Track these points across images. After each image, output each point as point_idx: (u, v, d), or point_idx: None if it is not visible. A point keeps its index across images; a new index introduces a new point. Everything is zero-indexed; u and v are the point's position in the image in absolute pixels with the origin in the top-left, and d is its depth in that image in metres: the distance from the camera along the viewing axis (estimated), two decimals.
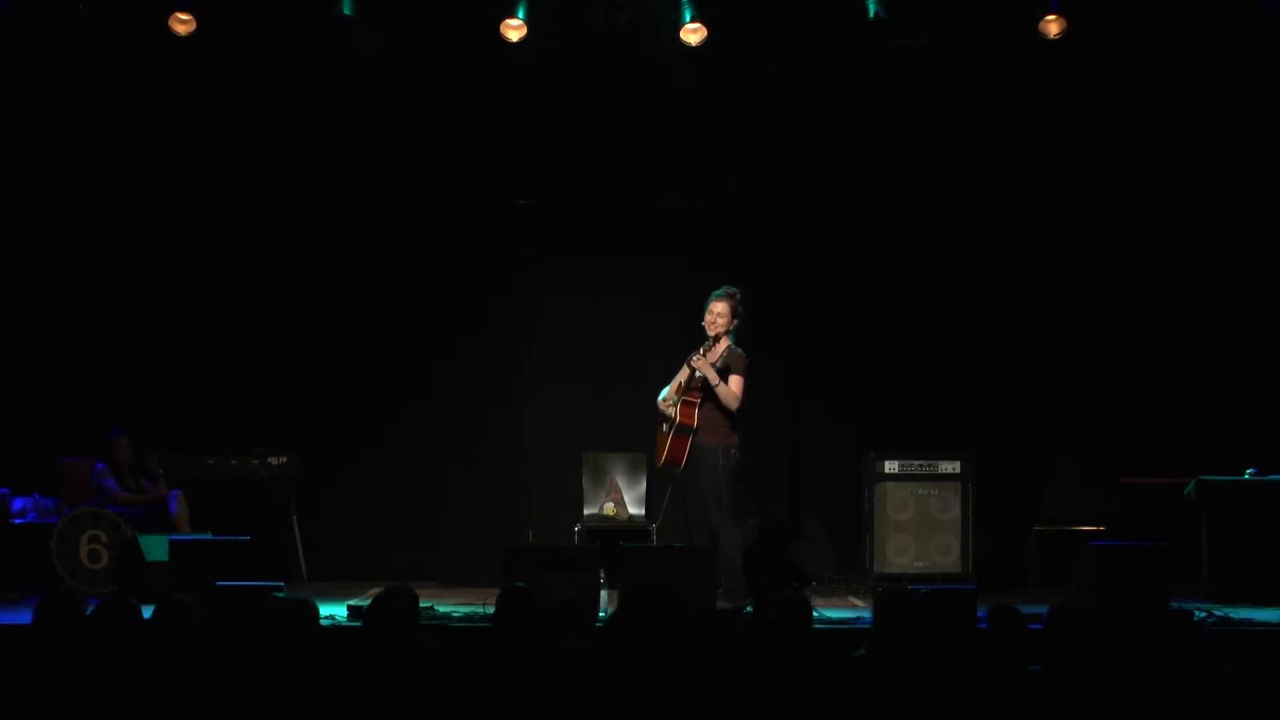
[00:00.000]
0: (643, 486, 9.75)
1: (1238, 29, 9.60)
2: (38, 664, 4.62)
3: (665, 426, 8.16)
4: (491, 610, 6.02)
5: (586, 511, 9.63)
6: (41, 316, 10.15)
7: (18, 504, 9.32)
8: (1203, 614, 7.56)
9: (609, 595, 8.01)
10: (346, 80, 9.95)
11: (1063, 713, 4.32)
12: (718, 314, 8.06)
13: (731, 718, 4.21)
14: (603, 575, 8.02)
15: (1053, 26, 9.42)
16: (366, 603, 5.52)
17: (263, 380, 10.08)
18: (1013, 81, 9.96)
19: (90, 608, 5.06)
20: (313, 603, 5.25)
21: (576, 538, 9.26)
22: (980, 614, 6.18)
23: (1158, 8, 9.53)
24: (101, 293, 10.15)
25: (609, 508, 9.65)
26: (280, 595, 6.76)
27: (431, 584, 9.32)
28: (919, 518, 9.21)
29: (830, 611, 7.99)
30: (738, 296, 8.11)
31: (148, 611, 5.24)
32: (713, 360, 8.00)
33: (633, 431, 9.41)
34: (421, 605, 5.13)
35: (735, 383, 8.00)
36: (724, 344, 8.04)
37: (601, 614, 7.58)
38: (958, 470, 9.23)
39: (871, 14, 9.40)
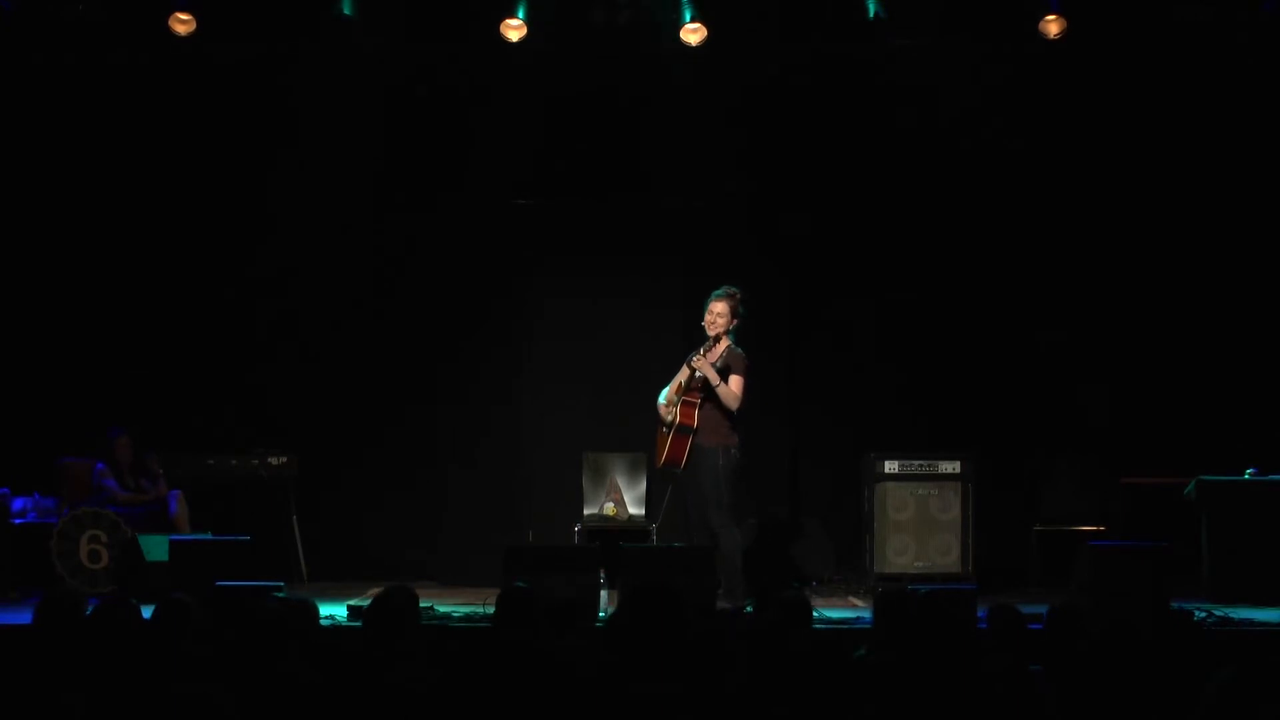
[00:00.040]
0: (643, 486, 9.75)
1: (1238, 29, 9.60)
2: (38, 664, 4.61)
3: (665, 427, 8.17)
4: (491, 610, 6.02)
5: (586, 511, 9.63)
6: (41, 317, 10.15)
7: (18, 504, 9.32)
8: (1203, 614, 7.56)
9: (609, 595, 8.01)
10: (346, 80, 9.95)
11: (1063, 713, 4.32)
12: (718, 314, 8.06)
13: (731, 718, 4.21)
14: (603, 575, 8.02)
15: (1053, 26, 9.42)
16: (366, 603, 5.52)
17: (263, 380, 10.08)
18: (1013, 81, 9.96)
19: (90, 608, 5.05)
20: (313, 603, 5.25)
21: (576, 538, 9.26)
22: (980, 614, 6.18)
23: (1158, 8, 9.53)
24: (101, 293, 10.15)
25: (609, 508, 9.65)
26: (280, 595, 6.76)
27: (431, 584, 9.32)
28: (919, 518, 9.21)
29: (830, 611, 8.00)
30: (738, 296, 8.11)
31: (148, 611, 5.23)
32: (713, 360, 8.00)
33: (633, 431, 9.41)
34: (421, 605, 5.12)
35: (735, 383, 8.00)
36: (724, 344, 8.04)
37: (601, 614, 7.58)
38: (958, 470, 9.23)
39: (871, 14, 9.40)
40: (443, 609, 7.75)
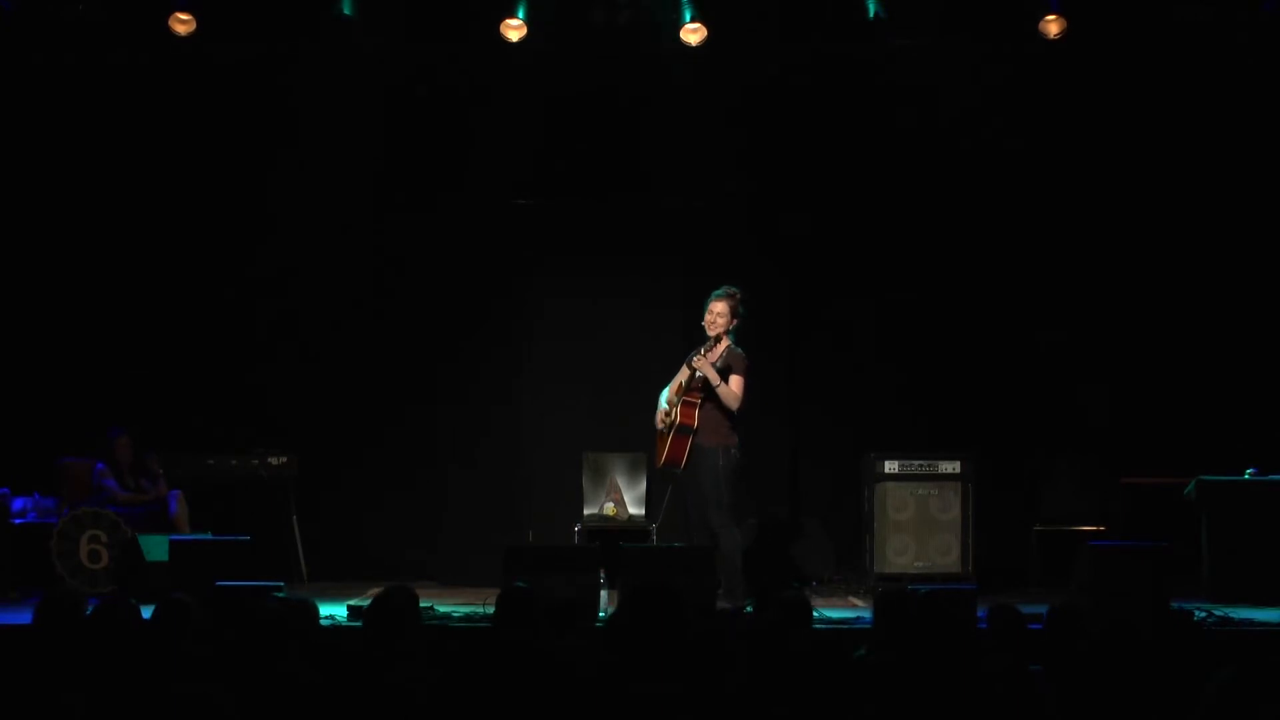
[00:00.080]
0: (643, 486, 9.75)
1: (1238, 29, 9.60)
2: (38, 664, 4.61)
3: (665, 427, 8.17)
4: (491, 610, 6.02)
5: (586, 511, 9.63)
6: (42, 317, 10.15)
7: (18, 504, 9.32)
8: (1203, 614, 7.55)
9: (609, 595, 8.01)
10: (346, 80, 9.95)
11: (1063, 713, 4.32)
12: (718, 314, 8.06)
13: (731, 718, 4.21)
14: (603, 575, 8.02)
15: (1053, 26, 9.42)
16: (366, 603, 5.52)
17: (263, 380, 10.08)
18: (1013, 81, 9.96)
19: (90, 608, 5.05)
20: (313, 603, 5.25)
21: (576, 538, 9.26)
22: (980, 614, 6.18)
23: (1158, 8, 9.53)
24: (101, 293, 10.15)
25: (609, 508, 9.65)
26: (280, 595, 6.76)
27: (431, 584, 9.32)
28: (919, 518, 9.21)
29: (830, 611, 7.99)
30: (738, 296, 8.11)
31: (148, 611, 5.24)
32: (713, 360, 8.00)
33: (633, 431, 9.40)
34: (421, 605, 5.12)
35: (736, 383, 8.00)
36: (724, 344, 8.03)
37: (601, 614, 7.58)
38: (958, 470, 9.23)
39: (871, 14, 9.40)
40: (443, 609, 7.75)
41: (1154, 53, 9.83)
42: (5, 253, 10.18)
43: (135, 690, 4.26)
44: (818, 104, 10.14)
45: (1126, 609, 6.78)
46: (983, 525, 9.22)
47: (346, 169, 10.05)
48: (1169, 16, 9.53)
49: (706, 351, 8.04)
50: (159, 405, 9.98)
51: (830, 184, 10.25)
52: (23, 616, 6.21)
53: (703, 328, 8.09)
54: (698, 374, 7.99)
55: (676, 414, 8.07)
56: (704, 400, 8.02)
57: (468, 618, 7.55)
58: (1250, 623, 7.56)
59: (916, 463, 9.25)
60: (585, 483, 9.76)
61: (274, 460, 9.76)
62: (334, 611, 7.60)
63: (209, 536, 8.89)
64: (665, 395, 8.26)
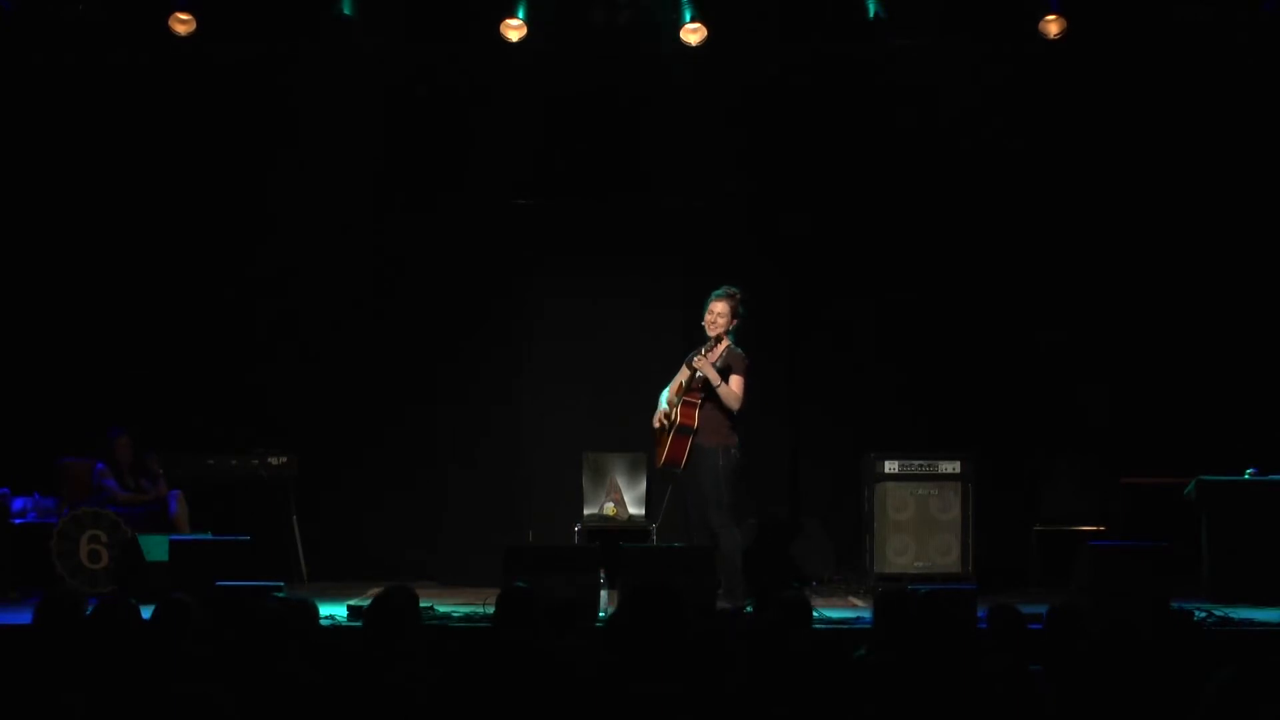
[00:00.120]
0: (643, 486, 9.75)
1: (1238, 29, 9.60)
2: (38, 664, 4.61)
3: (665, 427, 8.17)
4: (491, 610, 6.02)
5: (586, 511, 9.63)
6: (41, 317, 10.15)
7: (18, 504, 9.32)
8: (1203, 614, 7.55)
9: (609, 595, 8.01)
10: (346, 80, 9.95)
11: (1063, 713, 4.32)
12: (718, 314, 8.05)
13: (731, 718, 4.21)
14: (603, 575, 8.02)
15: (1053, 26, 9.42)
16: (366, 603, 5.52)
17: (263, 380, 10.08)
18: (1013, 81, 9.96)
19: (90, 608, 5.05)
20: (313, 603, 5.25)
21: (576, 538, 9.25)
22: (980, 614, 6.18)
23: (1158, 8, 9.53)
24: (101, 293, 10.15)
25: (609, 508, 9.65)
26: (280, 595, 6.76)
27: (431, 584, 9.32)
28: (919, 518, 9.21)
29: (830, 611, 7.99)
30: (738, 296, 8.11)
31: (148, 611, 5.23)
32: (713, 360, 8.00)
33: (633, 431, 9.39)
34: (421, 605, 5.12)
35: (736, 383, 8.00)
36: (724, 344, 8.03)
37: (601, 614, 7.58)
38: (958, 470, 9.23)
39: (871, 14, 9.40)
40: (443, 609, 7.75)
41: (1154, 53, 9.83)
42: (5, 253, 10.17)
43: (135, 690, 4.25)
44: (818, 104, 10.14)
45: (1126, 609, 6.75)
46: (983, 525, 9.22)
47: (346, 169, 10.05)
48: (1169, 16, 9.53)
49: (707, 351, 8.03)
50: (159, 405, 9.98)
51: (830, 184, 10.25)
52: (23, 616, 6.21)
53: (703, 328, 8.09)
54: (698, 374, 7.99)
55: (677, 414, 8.07)
56: (704, 400, 8.02)
57: (468, 618, 7.55)
58: (1250, 623, 7.56)
59: (916, 463, 9.25)
60: (585, 483, 9.76)
61: (274, 460, 9.76)
62: (334, 611, 7.60)
63: (209, 536, 8.89)
64: (665, 395, 8.26)
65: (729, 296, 8.08)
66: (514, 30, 9.49)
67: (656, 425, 8.24)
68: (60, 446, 9.64)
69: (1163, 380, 10.04)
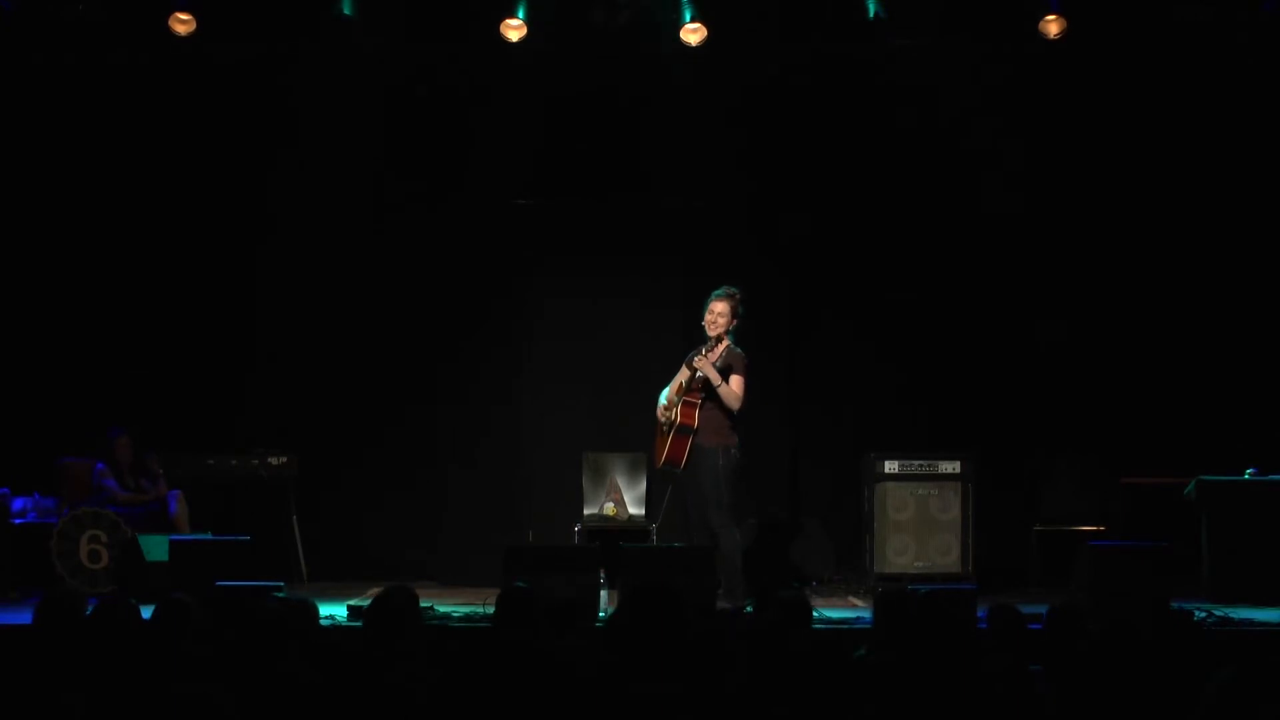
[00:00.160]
0: (643, 486, 9.75)
1: (1238, 29, 9.60)
2: (38, 664, 4.61)
3: (665, 427, 8.17)
4: (491, 610, 6.02)
5: (586, 511, 9.63)
6: (41, 317, 10.15)
7: (18, 504, 9.32)
8: (1203, 614, 7.55)
9: (609, 595, 8.01)
10: (346, 80, 9.95)
11: (1063, 713, 4.32)
12: (718, 314, 8.05)
13: (731, 718, 4.20)
14: (603, 575, 8.02)
15: (1053, 26, 9.42)
16: (366, 603, 5.52)
17: (263, 380, 10.09)
18: (1013, 81, 9.96)
19: (90, 608, 5.05)
20: (313, 603, 5.25)
21: (576, 538, 9.26)
22: (980, 614, 6.18)
23: (1158, 8, 9.53)
24: (101, 293, 10.15)
25: (609, 508, 9.65)
26: (280, 595, 6.76)
27: (431, 584, 9.33)
28: (919, 518, 9.21)
29: (830, 611, 8.00)
30: (738, 296, 8.11)
31: (148, 611, 5.23)
32: (713, 360, 8.00)
33: (633, 431, 9.41)
34: (421, 605, 5.12)
35: (736, 383, 8.00)
36: (724, 344, 8.03)
37: (601, 614, 7.58)
38: (958, 470, 9.23)
39: (871, 14, 9.40)
40: (443, 609, 7.75)
41: (1154, 53, 9.83)
42: (5, 253, 10.17)
43: (135, 690, 4.25)
44: (818, 104, 10.14)
45: (1126, 609, 6.76)
46: (983, 525, 9.22)
47: (346, 169, 10.04)
48: (1169, 16, 9.53)
49: (707, 351, 8.04)
50: (159, 405, 9.98)
51: (830, 184, 10.25)
52: (23, 616, 6.21)
53: (703, 328, 8.09)
54: (698, 374, 7.99)
55: (677, 414, 8.07)
56: (704, 400, 8.02)
57: (468, 618, 7.55)
58: (1250, 623, 7.57)
59: (916, 463, 9.25)
60: (585, 483, 9.76)
61: (274, 460, 9.76)
62: (334, 611, 7.60)
63: (209, 536, 8.90)
64: (665, 395, 8.26)
65: (729, 296, 8.08)
66: (514, 30, 9.48)
67: (661, 419, 8.20)
68: (60, 446, 9.64)
69: (1163, 380, 10.04)
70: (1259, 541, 8.71)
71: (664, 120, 10.01)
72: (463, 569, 9.40)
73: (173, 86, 10.02)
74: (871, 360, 10.14)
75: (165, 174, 10.18)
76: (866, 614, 7.36)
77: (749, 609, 7.54)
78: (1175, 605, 7.43)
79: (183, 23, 9.35)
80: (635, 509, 9.71)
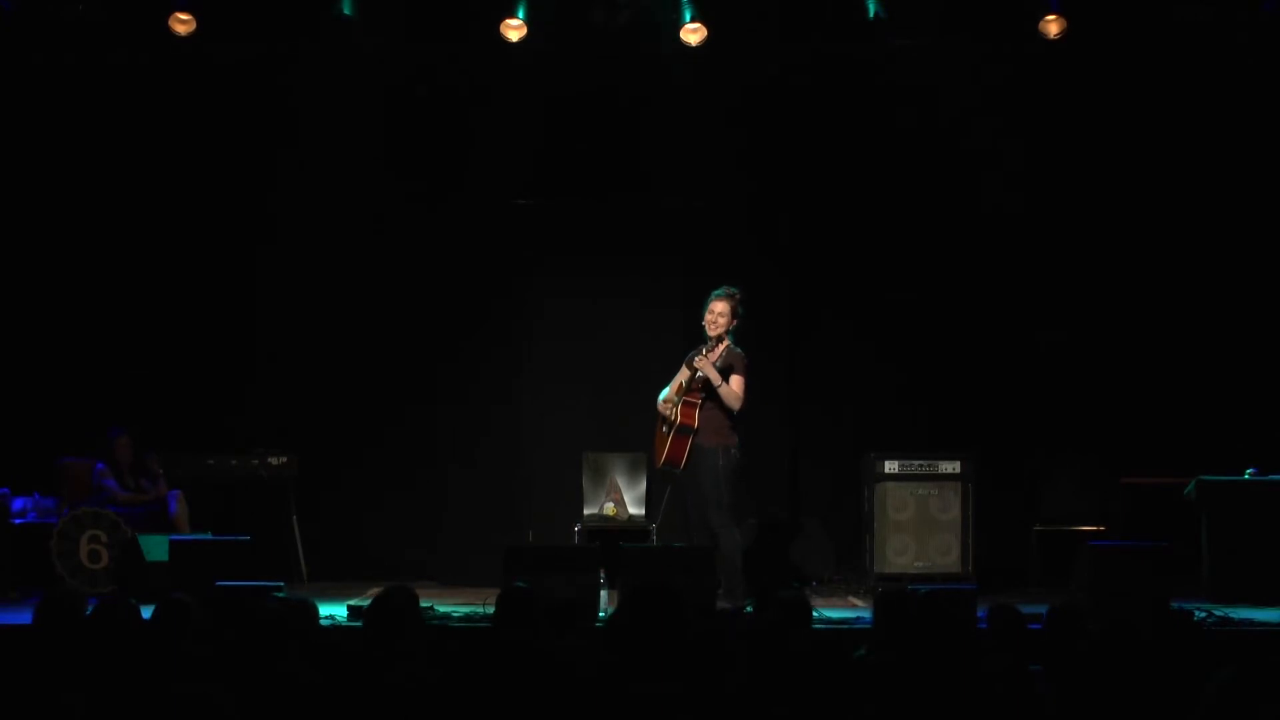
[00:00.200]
0: (643, 486, 9.75)
1: (1238, 29, 9.60)
2: (38, 664, 4.61)
3: (665, 427, 8.17)
4: (491, 610, 6.02)
5: (586, 511, 9.63)
6: (41, 317, 10.15)
7: (18, 504, 9.32)
8: (1203, 614, 7.55)
9: (609, 595, 8.01)
10: (346, 80, 9.95)
11: (1063, 713, 4.32)
12: (718, 314, 8.05)
13: (731, 718, 4.20)
14: (603, 575, 8.02)
15: (1053, 26, 9.42)
16: (366, 603, 5.52)
17: (263, 380, 10.09)
18: (1013, 81, 9.96)
19: (90, 608, 5.05)
20: (313, 603, 5.25)
21: (576, 538, 9.26)
22: (980, 614, 6.18)
23: (1158, 8, 9.53)
24: (101, 293, 10.15)
25: (609, 508, 9.65)
26: (280, 595, 6.76)
27: (431, 584, 9.33)
28: (919, 518, 9.21)
29: (830, 611, 8.00)
30: (738, 296, 8.11)
31: (148, 611, 5.23)
32: (713, 360, 8.00)
33: (633, 431, 9.41)
34: (421, 605, 5.12)
35: (736, 383, 8.00)
36: (724, 344, 8.03)
37: (601, 614, 7.58)
38: (958, 470, 9.23)
39: (871, 14, 9.40)
40: (443, 609, 7.75)
41: (1154, 53, 9.83)
42: (5, 253, 10.17)
43: (135, 690, 4.25)
44: (818, 104, 10.14)
45: (1126, 609, 6.76)
46: (983, 525, 9.22)
47: (347, 169, 10.04)
48: (1169, 16, 9.53)
49: (707, 352, 8.04)
50: (159, 405, 9.98)
51: (831, 184, 10.25)
52: (23, 616, 6.21)
53: (703, 328, 8.09)
54: (699, 374, 7.99)
55: (677, 414, 8.07)
56: (705, 400, 8.02)
57: (468, 618, 7.55)
58: (1250, 623, 7.57)
59: (916, 463, 9.25)
60: (585, 483, 9.76)
61: (274, 460, 9.76)
62: (334, 611, 7.60)
63: (209, 536, 8.90)
64: (664, 396, 8.25)
65: (729, 296, 8.08)
66: (514, 30, 9.48)
67: (664, 413, 8.18)
68: (60, 446, 9.64)
69: (1163, 380, 10.04)
70: (1259, 541, 8.71)
71: (664, 120, 10.02)
72: (463, 569, 9.40)
73: (173, 86, 10.02)
74: (871, 360, 10.14)
75: (165, 174, 10.18)
76: (866, 614, 7.36)
77: (749, 609, 7.53)
78: (1175, 605, 7.43)
79: (183, 23, 9.35)
80: (635, 509, 9.71)
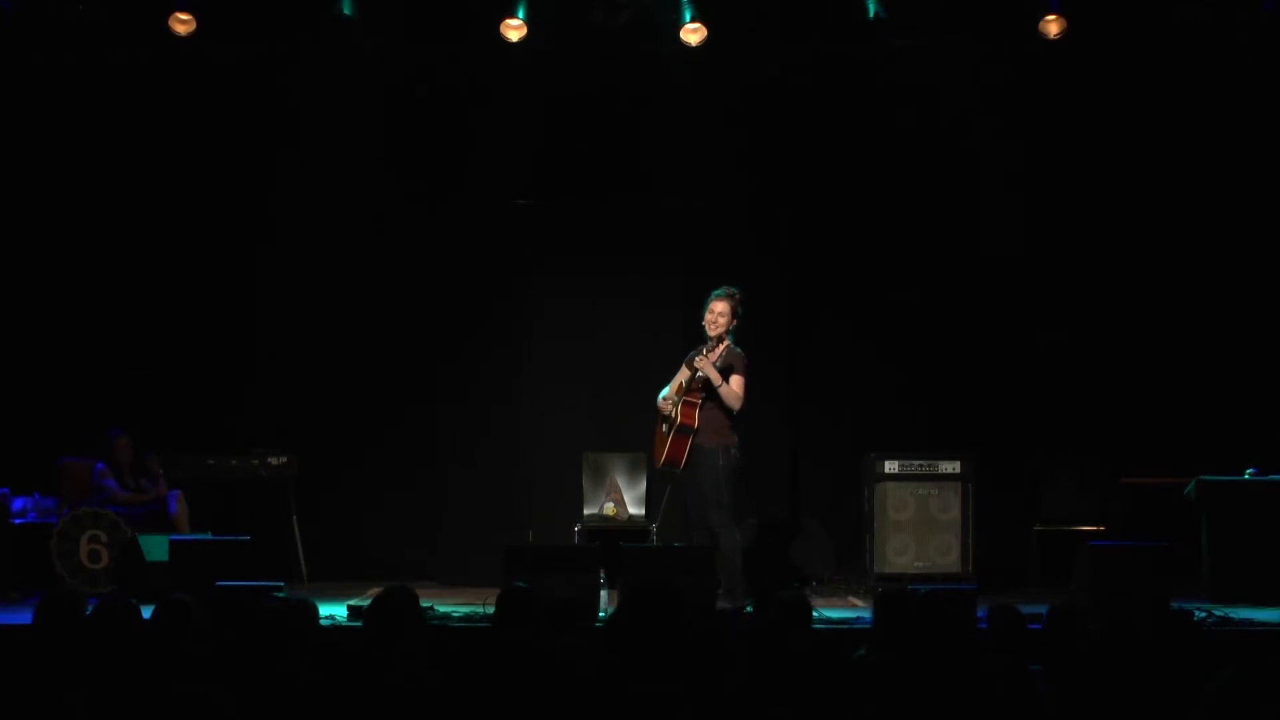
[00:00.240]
0: (643, 486, 9.75)
1: (1238, 29, 9.60)
2: (38, 664, 4.61)
3: (665, 426, 8.17)
4: (491, 610, 6.02)
5: (586, 511, 9.63)
6: (41, 317, 10.15)
7: (18, 504, 9.32)
8: (1203, 614, 7.55)
9: (609, 595, 8.01)
10: (346, 80, 9.95)
11: (1063, 713, 4.32)
12: (718, 314, 8.06)
13: (731, 718, 4.20)
14: (603, 575, 8.02)
15: (1053, 26, 9.42)
16: (366, 603, 5.52)
17: (263, 380, 10.09)
18: (1013, 81, 9.97)
19: (90, 608, 5.05)
20: (313, 603, 5.25)
21: (576, 538, 9.25)
22: (980, 614, 6.18)
23: (1158, 8, 9.54)
24: (101, 293, 10.15)
25: (609, 508, 9.65)
26: (280, 595, 6.76)
27: (431, 584, 9.33)
28: (919, 518, 9.21)
29: (830, 611, 8.00)
30: (738, 296, 8.11)
31: (148, 611, 5.24)
32: (714, 360, 8.00)
33: (633, 431, 9.41)
34: (422, 605, 5.12)
35: (737, 382, 8.00)
36: (724, 344, 8.03)
37: (601, 614, 7.58)
38: (958, 470, 9.23)
39: (871, 14, 9.40)
40: (443, 609, 7.75)
41: (1154, 53, 9.83)
42: (5, 253, 10.17)
43: (135, 690, 4.25)
44: (818, 104, 10.14)
45: (1126, 609, 6.76)
46: (983, 525, 9.22)
47: (347, 169, 10.04)
48: (1169, 16, 9.53)
49: (708, 352, 8.04)
50: (159, 405, 9.98)
51: (831, 184, 10.25)
52: (23, 616, 6.21)
53: (703, 328, 8.09)
54: (699, 374, 7.99)
55: (677, 414, 8.07)
56: (705, 400, 8.02)
57: (468, 618, 7.55)
58: (1250, 623, 7.57)
59: (916, 463, 9.25)
60: (585, 483, 9.76)
61: (274, 460, 9.76)
62: (334, 611, 7.60)
63: (209, 536, 8.90)
64: (664, 395, 8.25)
65: (729, 296, 8.09)
66: (514, 30, 9.48)
67: (664, 411, 8.18)
68: (60, 446, 9.64)
69: (1163, 380, 10.05)
70: (1259, 541, 8.71)
71: (664, 120, 10.02)
72: (463, 569, 9.40)
73: (173, 87, 10.02)
74: (871, 360, 10.14)
75: (165, 174, 10.18)
76: (866, 614, 7.36)
77: (749, 609, 7.54)
78: (1175, 605, 7.43)
79: (183, 23, 9.35)
80: (635, 509, 9.71)
